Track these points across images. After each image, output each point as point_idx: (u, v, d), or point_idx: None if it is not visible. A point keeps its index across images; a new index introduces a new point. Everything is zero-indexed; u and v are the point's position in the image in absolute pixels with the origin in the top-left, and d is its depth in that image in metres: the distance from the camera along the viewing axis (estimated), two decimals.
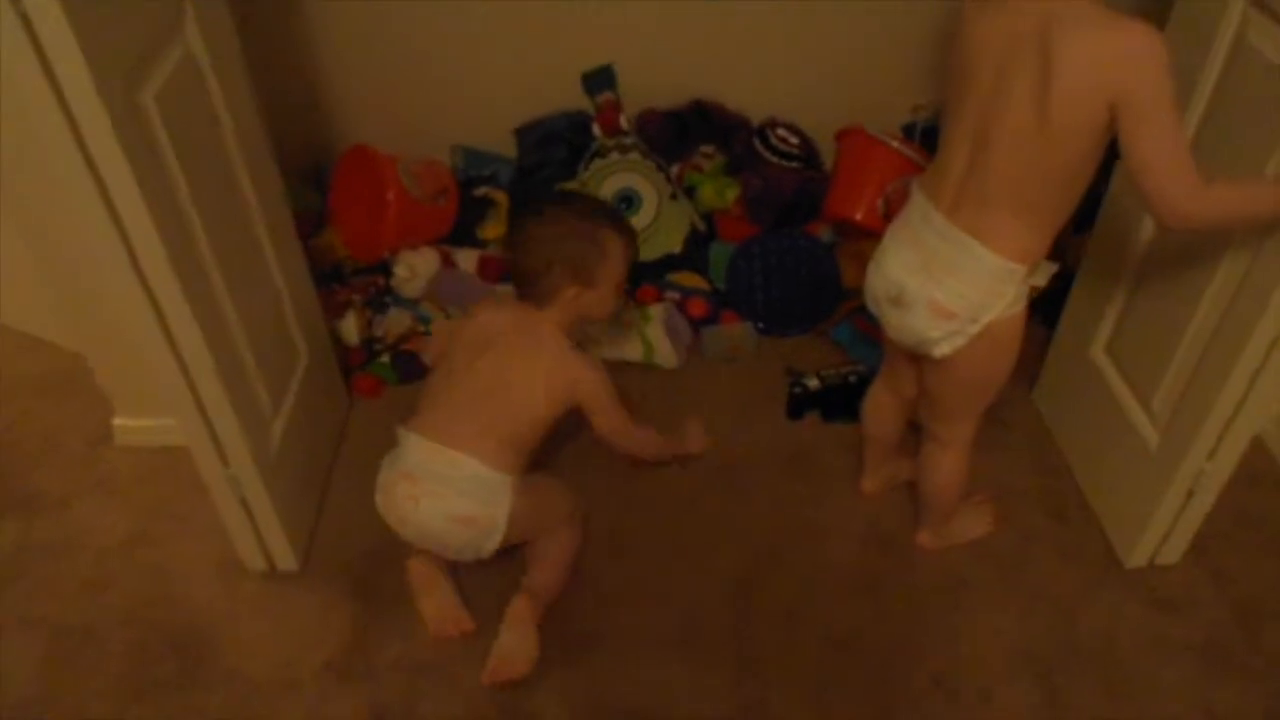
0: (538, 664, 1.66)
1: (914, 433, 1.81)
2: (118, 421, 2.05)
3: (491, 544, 1.65)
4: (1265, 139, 1.45)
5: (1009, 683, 1.67)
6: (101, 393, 2.03)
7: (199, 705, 1.65)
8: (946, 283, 1.43)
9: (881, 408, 1.82)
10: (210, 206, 1.48)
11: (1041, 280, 1.47)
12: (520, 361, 1.68)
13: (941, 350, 1.49)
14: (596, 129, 2.37)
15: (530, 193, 2.38)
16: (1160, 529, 1.78)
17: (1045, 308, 2.08)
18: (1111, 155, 1.37)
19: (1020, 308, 1.46)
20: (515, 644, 1.66)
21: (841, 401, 2.10)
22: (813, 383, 2.12)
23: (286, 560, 1.79)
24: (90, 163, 1.24)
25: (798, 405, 2.13)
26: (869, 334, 2.19)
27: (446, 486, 1.60)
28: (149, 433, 2.03)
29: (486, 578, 1.79)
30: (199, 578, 1.83)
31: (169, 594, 1.81)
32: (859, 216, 2.28)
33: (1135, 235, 1.77)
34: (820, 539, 1.89)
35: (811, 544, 1.88)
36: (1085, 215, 1.91)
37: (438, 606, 1.73)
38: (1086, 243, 1.94)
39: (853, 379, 2.12)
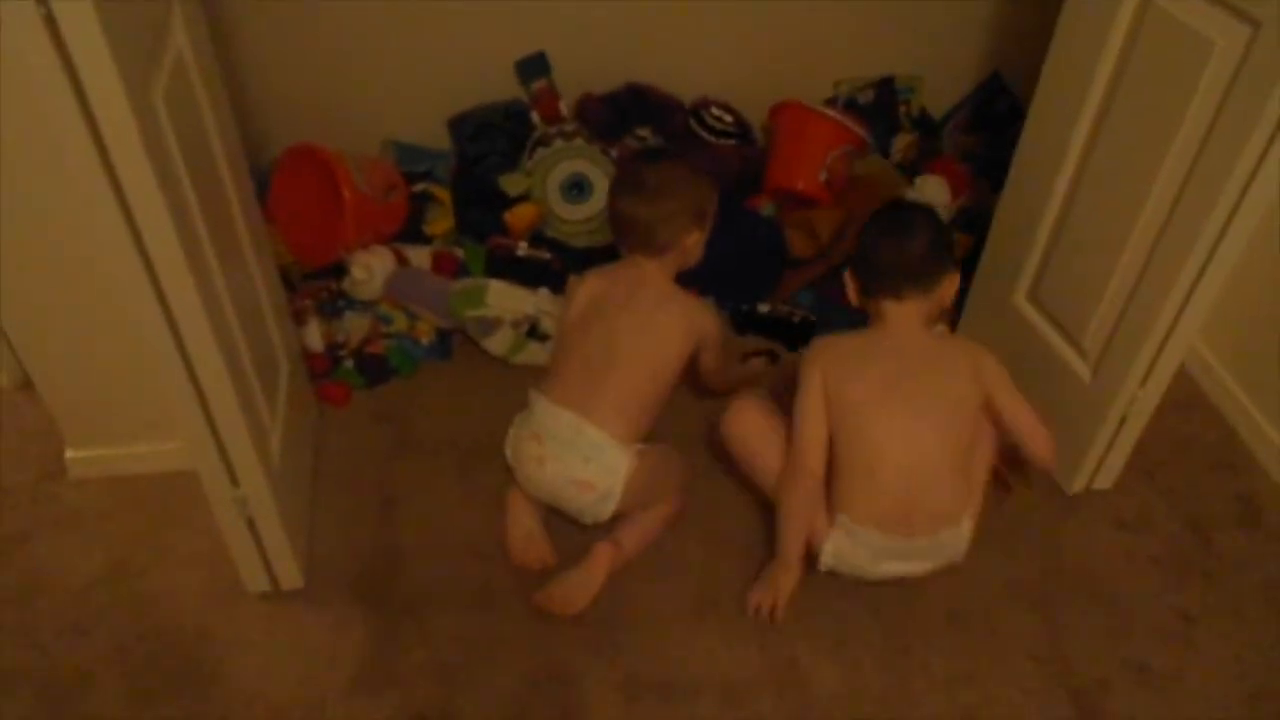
0: (575, 652, 1.68)
1: None
2: (70, 454, 1.90)
3: (608, 509, 1.70)
4: (1175, 100, 1.56)
5: (1010, 611, 1.78)
6: (47, 425, 1.89)
7: None
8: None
9: None
10: (209, 213, 1.41)
11: None
12: (648, 317, 1.74)
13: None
14: (536, 117, 2.36)
15: (474, 184, 2.35)
16: (1096, 456, 1.93)
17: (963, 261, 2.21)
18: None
19: None
20: (581, 583, 1.71)
21: (785, 335, 2.25)
22: (764, 308, 2.26)
23: (292, 578, 1.72)
24: (111, 171, 1.16)
25: (745, 320, 2.28)
26: (836, 300, 2.25)
27: (571, 452, 1.66)
28: (106, 463, 1.90)
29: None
30: (193, 606, 1.74)
31: (163, 625, 1.71)
32: (800, 186, 2.36)
33: (1050, 191, 1.87)
34: None
35: None
36: (999, 175, 2.03)
37: (525, 536, 1.78)
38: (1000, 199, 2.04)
39: (796, 319, 2.25)
